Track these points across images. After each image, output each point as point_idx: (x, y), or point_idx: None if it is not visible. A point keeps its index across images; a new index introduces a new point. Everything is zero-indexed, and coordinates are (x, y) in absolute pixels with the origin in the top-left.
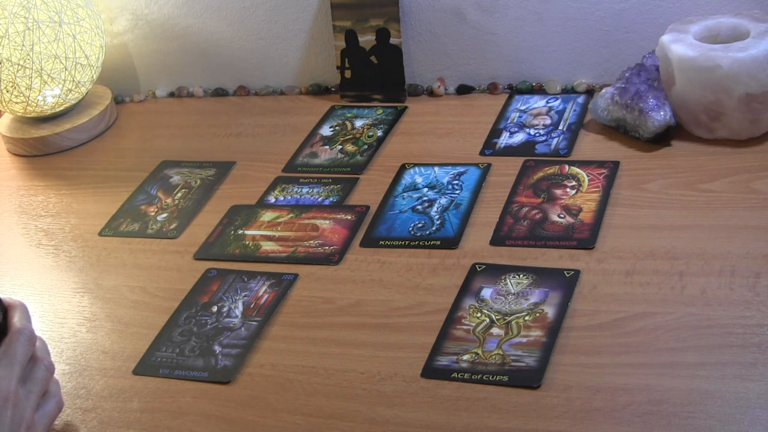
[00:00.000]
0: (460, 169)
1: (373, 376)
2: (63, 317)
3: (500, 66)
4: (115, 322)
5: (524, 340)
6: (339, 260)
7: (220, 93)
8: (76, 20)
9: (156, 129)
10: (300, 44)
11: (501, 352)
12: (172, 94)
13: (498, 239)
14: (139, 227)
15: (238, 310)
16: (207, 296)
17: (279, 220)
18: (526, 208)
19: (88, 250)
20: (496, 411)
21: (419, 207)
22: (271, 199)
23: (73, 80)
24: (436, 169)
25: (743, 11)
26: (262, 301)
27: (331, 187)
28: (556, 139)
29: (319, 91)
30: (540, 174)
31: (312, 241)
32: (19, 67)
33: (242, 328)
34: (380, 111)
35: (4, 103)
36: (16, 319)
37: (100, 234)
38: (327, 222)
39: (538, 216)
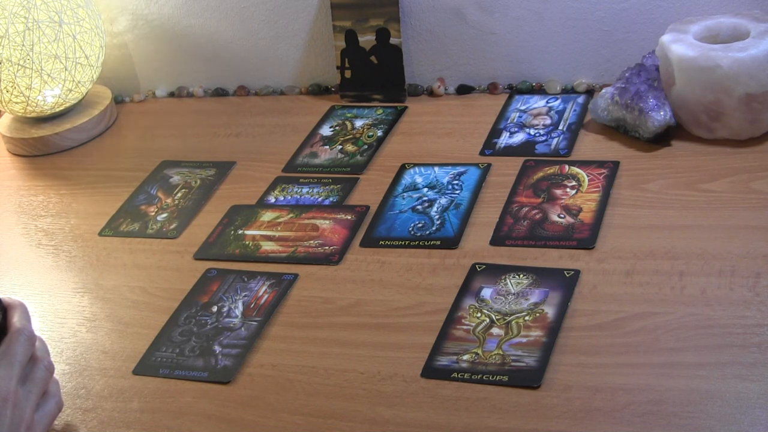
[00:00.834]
0: (460, 169)
1: (373, 376)
2: (63, 317)
3: (500, 66)
4: (115, 322)
5: (524, 340)
6: (339, 260)
7: (220, 93)
8: (76, 20)
9: (156, 129)
10: (300, 44)
11: (501, 352)
12: (172, 94)
13: (498, 239)
14: (139, 227)
15: (238, 310)
16: (207, 296)
17: (279, 220)
18: (526, 208)
19: (88, 250)
20: (496, 411)
21: (419, 207)
22: (271, 199)
23: (73, 80)
24: (436, 169)
25: (743, 11)
26: (262, 301)
27: (331, 187)
28: (556, 139)
29: (319, 91)
30: (540, 174)
31: (312, 241)
32: (19, 67)
33: (242, 328)
34: (380, 111)
35: (4, 103)
36: (15, 319)
37: (100, 234)
38: (327, 222)
39: (538, 216)
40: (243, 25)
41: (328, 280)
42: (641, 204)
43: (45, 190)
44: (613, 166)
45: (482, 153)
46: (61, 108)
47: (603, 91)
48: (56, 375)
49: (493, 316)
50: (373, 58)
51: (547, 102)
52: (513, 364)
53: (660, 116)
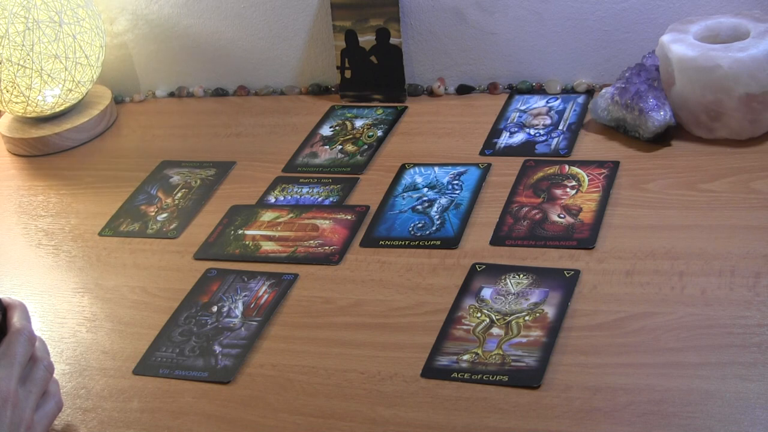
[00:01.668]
0: (460, 169)
1: (373, 376)
2: (63, 317)
3: (500, 66)
4: (115, 322)
5: (524, 340)
6: (339, 260)
7: (220, 93)
8: (76, 20)
9: (156, 129)
10: (300, 44)
11: (501, 352)
12: (172, 94)
13: (498, 239)
14: (139, 227)
15: (238, 310)
16: (207, 296)
17: (279, 220)
18: (526, 208)
19: (88, 250)
20: (496, 411)
21: (419, 207)
22: (271, 199)
23: (73, 80)
24: (436, 169)
25: (743, 11)
26: (262, 301)
27: (331, 187)
28: (556, 139)
29: (319, 91)
30: (540, 174)
31: (312, 241)
32: (19, 67)
33: (242, 328)
34: (380, 111)
35: (4, 103)
36: (15, 319)
37: (100, 234)
38: (327, 222)
39: (538, 216)
40: (243, 25)
41: (328, 280)
42: (641, 204)
43: (45, 190)
44: (613, 166)
45: (482, 153)
46: (61, 108)
47: (603, 91)
48: (56, 375)
49: (493, 316)
50: (373, 58)
51: (547, 102)
52: (513, 364)
53: (660, 116)
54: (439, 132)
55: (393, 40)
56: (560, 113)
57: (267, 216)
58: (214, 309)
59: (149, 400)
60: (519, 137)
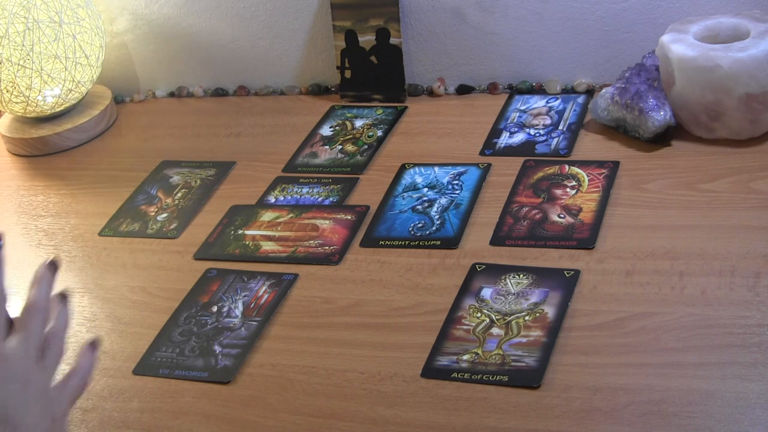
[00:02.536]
0: (460, 169)
1: (373, 376)
2: None
3: (500, 66)
4: (115, 322)
5: (524, 340)
6: (339, 260)
7: (220, 93)
8: (76, 20)
9: (156, 129)
10: (300, 44)
11: (501, 352)
12: (172, 94)
13: (498, 239)
14: (139, 227)
15: (238, 310)
16: (207, 296)
17: (279, 220)
18: (526, 208)
19: (88, 250)
20: (496, 411)
21: (419, 207)
22: (271, 199)
23: (73, 80)
24: (436, 169)
25: (743, 11)
26: (262, 301)
27: (331, 187)
28: (556, 139)
29: (319, 91)
30: (540, 174)
31: (312, 241)
32: (19, 67)
33: (242, 328)
34: (380, 111)
35: (4, 103)
36: (31, 294)
37: (100, 234)
38: (327, 222)
39: (538, 216)
40: (243, 25)
41: (328, 280)
42: (641, 204)
43: (45, 190)
44: (613, 166)
45: (482, 153)
46: (61, 108)
47: (603, 91)
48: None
49: (493, 316)
50: (373, 58)
51: (547, 102)
52: (513, 364)
53: (660, 116)
54: (439, 132)
55: (393, 40)
56: (560, 113)
57: (267, 216)
58: (214, 309)
59: (149, 400)
60: (519, 137)
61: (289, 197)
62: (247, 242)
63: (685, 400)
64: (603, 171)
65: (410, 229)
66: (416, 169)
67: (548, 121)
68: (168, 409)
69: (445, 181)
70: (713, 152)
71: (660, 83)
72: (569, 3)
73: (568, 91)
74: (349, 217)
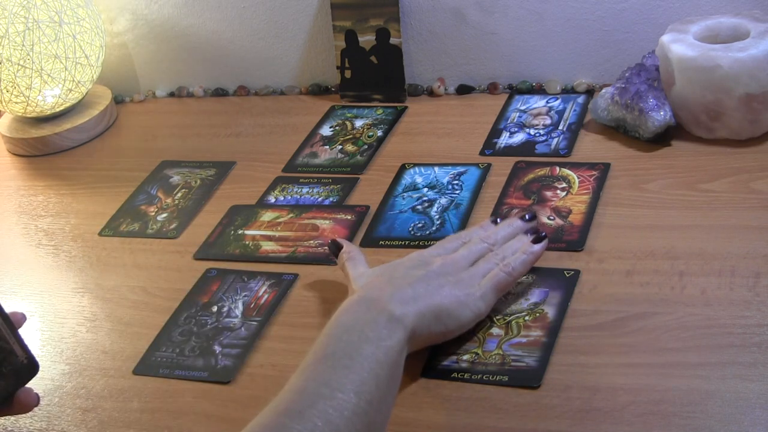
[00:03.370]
0: (460, 169)
1: None
2: (63, 317)
3: (500, 66)
4: (115, 322)
5: (524, 340)
6: None
7: (220, 93)
8: (76, 20)
9: (156, 129)
10: (300, 44)
11: (501, 352)
12: (172, 94)
13: None
14: (139, 227)
15: (238, 310)
16: (207, 296)
17: (279, 220)
18: (516, 210)
19: (88, 250)
20: (496, 411)
21: (419, 207)
22: (271, 199)
23: (73, 80)
24: (436, 169)
25: (743, 11)
26: (262, 301)
27: (331, 187)
28: (556, 139)
29: (319, 91)
30: (531, 176)
31: (312, 241)
32: (19, 67)
33: (242, 328)
34: (380, 111)
35: (4, 103)
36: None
37: (100, 234)
38: (327, 222)
39: None
40: (243, 25)
41: (328, 280)
42: (641, 204)
43: (45, 190)
44: (604, 168)
45: (482, 153)
46: (61, 108)
47: (603, 91)
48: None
49: (493, 316)
50: (373, 58)
51: (547, 102)
52: (513, 364)
53: (660, 116)
54: (439, 132)
55: (393, 40)
56: (560, 113)
57: (267, 216)
58: (214, 309)
59: (149, 400)
60: (519, 137)
61: (289, 197)
62: (247, 242)
63: (685, 400)
64: (593, 173)
65: (410, 229)
66: (416, 169)
67: (548, 121)
68: (168, 409)
69: (445, 181)
70: (713, 152)
71: (660, 83)
72: (569, 3)
73: (568, 91)
74: (349, 217)
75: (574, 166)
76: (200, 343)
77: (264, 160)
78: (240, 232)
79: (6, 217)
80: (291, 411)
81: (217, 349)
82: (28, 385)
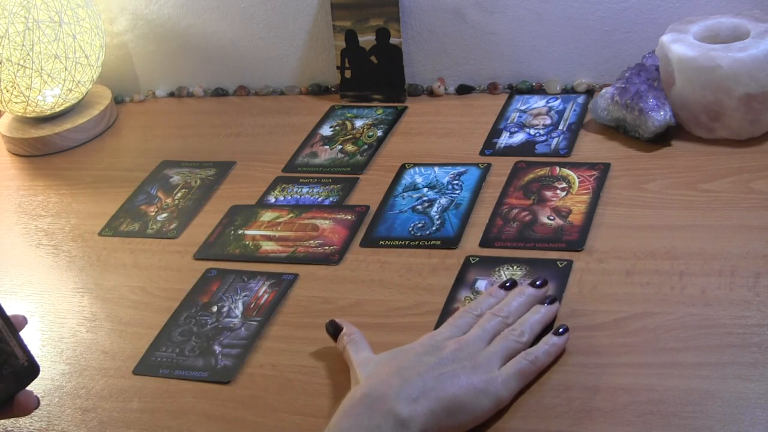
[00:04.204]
0: (460, 169)
1: None
2: (63, 317)
3: (500, 66)
4: (115, 322)
5: None
6: (339, 260)
7: (220, 93)
8: (76, 20)
9: (156, 129)
10: (300, 44)
11: None
12: (172, 94)
13: (487, 241)
14: (139, 227)
15: (238, 310)
16: (207, 296)
17: (279, 220)
18: (516, 210)
19: (88, 250)
20: (496, 411)
21: (419, 207)
22: (271, 199)
23: (73, 80)
24: (436, 169)
25: (743, 11)
26: (262, 301)
27: (331, 187)
28: (556, 139)
29: (319, 91)
30: (531, 176)
31: (312, 241)
32: (19, 67)
33: (242, 328)
34: (380, 111)
35: (4, 103)
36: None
37: (100, 234)
38: (327, 222)
39: (527, 218)
40: (243, 25)
41: (328, 280)
42: (641, 204)
43: (45, 190)
44: (604, 168)
45: (482, 153)
46: (61, 108)
47: (603, 91)
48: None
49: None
50: (373, 58)
51: (547, 102)
52: None
53: (660, 116)
54: (439, 132)
55: (393, 40)
56: (560, 113)
57: (267, 216)
58: (214, 309)
59: (149, 400)
60: (519, 137)
61: (289, 197)
62: (247, 242)
63: (685, 400)
64: (593, 173)
65: (410, 229)
66: (416, 169)
67: (548, 121)
68: (168, 409)
69: (445, 181)
70: (713, 152)
71: (660, 83)
72: (569, 3)
73: (568, 91)
74: (349, 217)
75: (574, 166)
76: (200, 343)
77: (264, 160)
78: (240, 232)
79: (6, 217)
80: None
81: (217, 349)
82: (28, 388)
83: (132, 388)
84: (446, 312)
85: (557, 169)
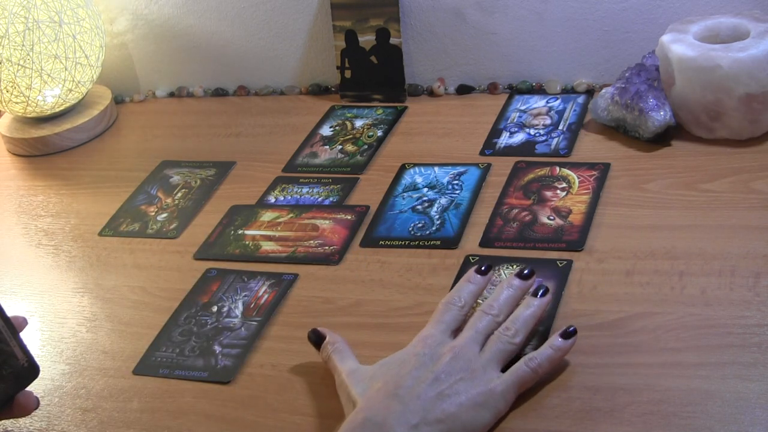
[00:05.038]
0: (460, 169)
1: None
2: (63, 317)
3: (500, 66)
4: (115, 322)
5: None
6: (339, 260)
7: (220, 93)
8: (76, 20)
9: (156, 129)
10: (300, 44)
11: None
12: (172, 94)
13: (488, 241)
14: (139, 227)
15: (238, 310)
16: (207, 296)
17: (279, 220)
18: (516, 210)
19: (88, 250)
20: None
21: (419, 207)
22: (271, 199)
23: (73, 80)
24: (436, 169)
25: (743, 11)
26: (262, 301)
27: (331, 187)
28: (556, 139)
29: (319, 91)
30: (531, 176)
31: (312, 241)
32: (19, 67)
33: (242, 328)
34: (380, 111)
35: (4, 103)
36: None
37: (100, 234)
38: (327, 222)
39: (527, 218)
40: (243, 25)
41: (328, 280)
42: (641, 204)
43: (45, 190)
44: (604, 168)
45: (482, 153)
46: (61, 108)
47: (603, 91)
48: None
49: None
50: (373, 58)
51: (547, 102)
52: None
53: (660, 116)
54: (439, 132)
55: (393, 40)
56: (560, 113)
57: (267, 216)
58: (214, 309)
59: (149, 400)
60: (519, 137)
61: (289, 197)
62: (247, 242)
63: (685, 400)
64: (593, 173)
65: (410, 229)
66: (416, 169)
67: (548, 121)
68: (168, 409)
69: (445, 181)
70: (713, 152)
71: (660, 83)
72: (569, 3)
73: (568, 91)
74: (349, 217)
75: (574, 166)
76: (200, 343)
77: (264, 160)
78: (240, 232)
79: (6, 217)
80: None
81: (217, 349)
82: (28, 389)
83: (132, 388)
84: None
85: (557, 169)
